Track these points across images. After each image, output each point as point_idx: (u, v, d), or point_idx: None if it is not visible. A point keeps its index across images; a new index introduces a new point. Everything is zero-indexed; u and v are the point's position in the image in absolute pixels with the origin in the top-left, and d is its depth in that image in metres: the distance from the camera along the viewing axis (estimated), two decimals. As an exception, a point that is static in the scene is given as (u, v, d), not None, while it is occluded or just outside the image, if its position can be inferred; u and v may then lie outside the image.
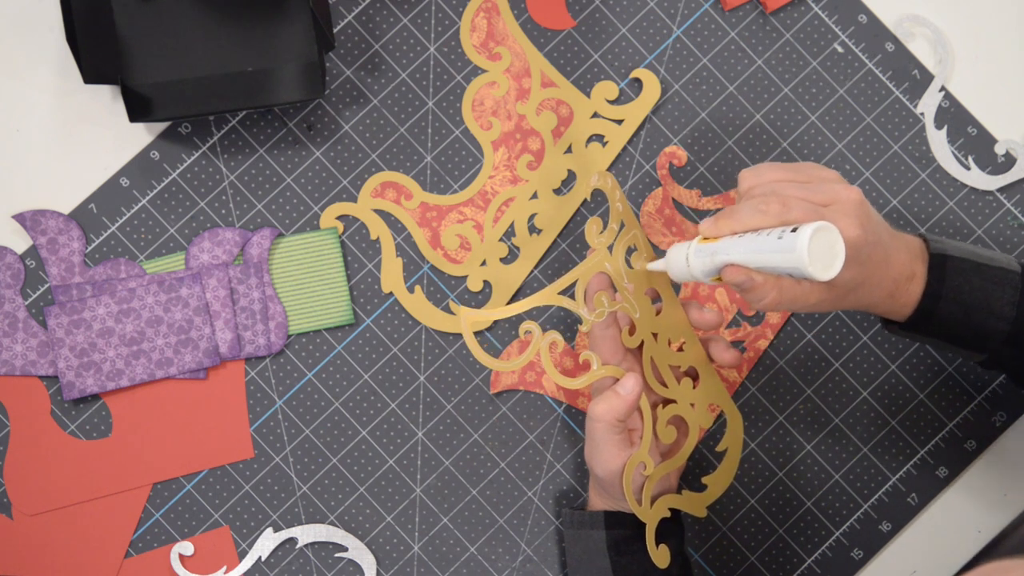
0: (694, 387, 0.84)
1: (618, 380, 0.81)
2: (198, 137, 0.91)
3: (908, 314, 0.79)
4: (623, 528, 0.83)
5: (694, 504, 0.86)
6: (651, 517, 0.82)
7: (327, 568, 0.90)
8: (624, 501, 0.81)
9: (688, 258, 0.76)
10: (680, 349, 0.84)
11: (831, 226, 0.70)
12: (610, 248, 0.80)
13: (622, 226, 0.80)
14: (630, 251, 0.81)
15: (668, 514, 0.83)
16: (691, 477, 0.91)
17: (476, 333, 0.91)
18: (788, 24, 0.93)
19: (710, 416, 0.85)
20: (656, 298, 0.84)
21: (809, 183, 0.75)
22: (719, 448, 0.88)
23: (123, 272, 0.89)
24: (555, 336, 0.80)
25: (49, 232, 0.89)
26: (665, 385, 0.83)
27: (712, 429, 0.92)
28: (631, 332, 0.81)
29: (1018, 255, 0.93)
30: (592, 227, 0.79)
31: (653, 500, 0.83)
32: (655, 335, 0.82)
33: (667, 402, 0.84)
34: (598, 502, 0.85)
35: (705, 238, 0.75)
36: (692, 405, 0.84)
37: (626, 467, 0.80)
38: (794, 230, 0.69)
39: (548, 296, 0.79)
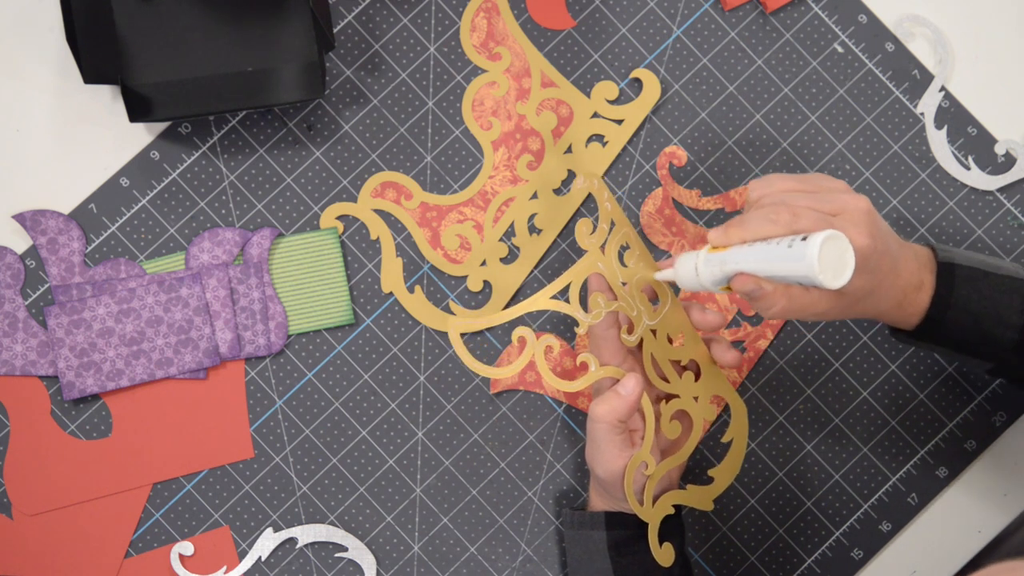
0: (696, 380, 0.84)
1: (619, 380, 0.81)
2: (198, 137, 0.91)
3: (916, 323, 0.80)
4: (624, 529, 0.83)
5: (701, 498, 0.86)
6: (653, 516, 0.82)
7: (327, 568, 0.90)
8: (625, 502, 0.81)
9: (697, 268, 0.76)
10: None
11: (841, 235, 0.70)
12: (602, 247, 0.79)
13: (612, 225, 0.80)
14: (623, 249, 0.81)
15: (672, 511, 0.83)
16: (697, 471, 0.91)
17: (476, 333, 0.91)
18: (788, 24, 0.93)
19: (714, 409, 0.85)
20: (653, 296, 0.84)
21: (818, 192, 0.75)
22: (724, 439, 0.88)
23: (123, 272, 0.89)
24: (550, 340, 0.80)
25: (49, 232, 0.89)
26: (667, 380, 0.83)
27: (715, 426, 0.91)
28: (629, 331, 0.81)
29: (1018, 255, 0.93)
30: (582, 228, 0.79)
31: (655, 498, 0.82)
32: (654, 332, 0.82)
33: (670, 397, 0.84)
34: (599, 502, 0.85)
35: (714, 247, 0.75)
36: (695, 399, 0.84)
37: (627, 468, 0.80)
38: (804, 239, 0.69)
39: (539, 301, 0.79)
